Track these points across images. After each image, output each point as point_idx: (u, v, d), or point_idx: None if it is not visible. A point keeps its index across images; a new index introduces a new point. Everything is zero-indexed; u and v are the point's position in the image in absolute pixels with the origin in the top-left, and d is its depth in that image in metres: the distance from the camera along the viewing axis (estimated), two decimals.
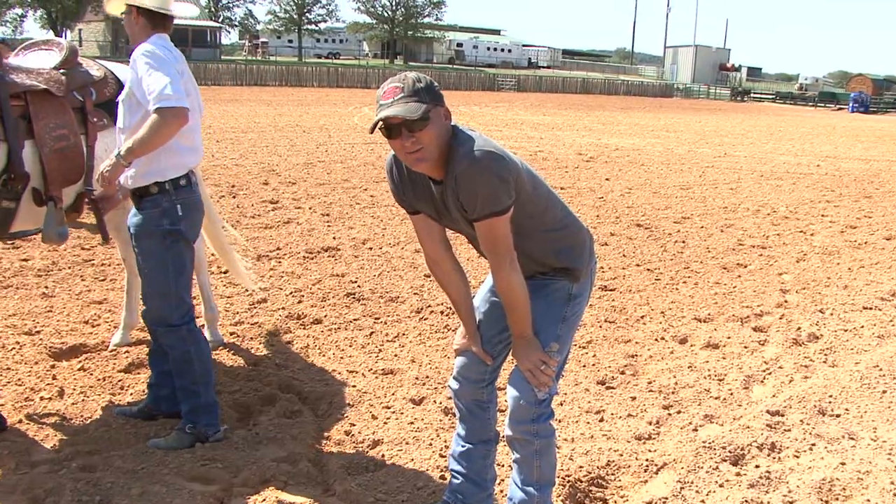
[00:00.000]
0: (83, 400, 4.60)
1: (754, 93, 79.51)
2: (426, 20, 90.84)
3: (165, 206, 3.98)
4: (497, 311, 3.33)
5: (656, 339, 6.05)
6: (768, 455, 4.24)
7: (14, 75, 4.38)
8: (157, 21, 3.99)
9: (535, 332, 3.20)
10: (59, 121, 4.49)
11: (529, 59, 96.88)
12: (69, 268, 7.23)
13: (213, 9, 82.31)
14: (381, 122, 2.91)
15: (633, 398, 4.94)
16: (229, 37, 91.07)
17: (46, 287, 6.65)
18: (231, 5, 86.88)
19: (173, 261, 4.05)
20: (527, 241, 3.17)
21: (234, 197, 11.10)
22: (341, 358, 5.45)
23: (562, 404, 4.80)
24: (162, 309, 4.10)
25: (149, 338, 4.75)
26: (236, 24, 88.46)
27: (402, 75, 2.98)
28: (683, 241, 9.54)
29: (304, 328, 5.99)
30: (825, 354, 5.85)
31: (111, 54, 64.50)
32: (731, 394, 5.07)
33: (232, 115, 25.17)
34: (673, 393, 5.03)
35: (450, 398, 4.62)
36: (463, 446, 3.56)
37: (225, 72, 52.06)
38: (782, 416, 4.72)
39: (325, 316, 6.25)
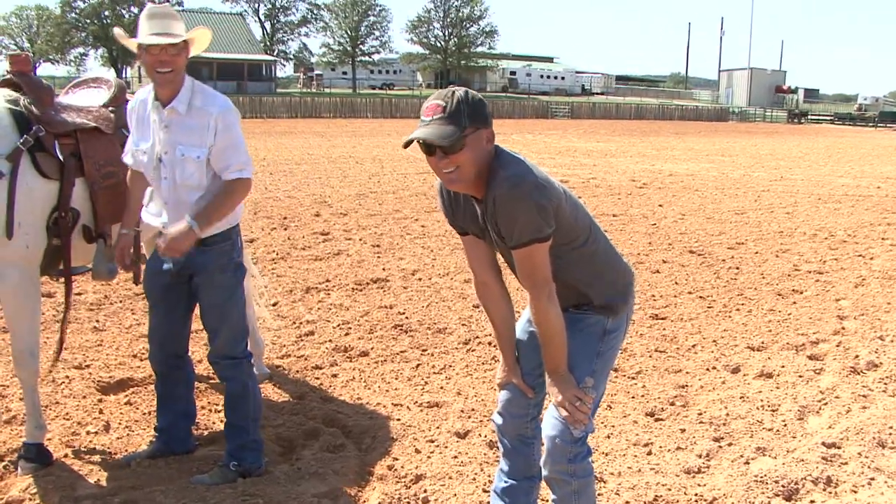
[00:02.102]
0: (128, 434, 4.64)
1: (812, 115, 78.32)
2: (479, 49, 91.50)
3: (234, 239, 4.08)
4: (536, 342, 3.24)
5: (708, 369, 5.92)
6: (824, 490, 4.10)
7: (65, 114, 4.45)
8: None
9: (570, 368, 3.11)
10: (109, 158, 4.54)
11: (583, 85, 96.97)
12: (120, 301, 7.33)
13: (268, 42, 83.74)
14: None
15: (683, 430, 4.83)
16: (284, 70, 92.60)
17: (98, 321, 6.75)
18: (286, 39, 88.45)
19: (242, 293, 4.17)
20: (565, 272, 3.11)
21: (285, 229, 11.19)
22: (387, 391, 5.43)
23: (609, 437, 4.71)
24: (231, 342, 4.15)
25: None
26: (291, 57, 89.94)
27: (450, 91, 2.91)
28: (737, 268, 9.37)
29: (350, 361, 5.98)
30: (885, 383, 5.67)
31: None
32: (785, 425, 4.92)
33: (286, 148, 25.48)
34: (724, 424, 4.91)
35: (494, 431, 4.57)
36: (506, 482, 3.50)
37: (280, 105, 52.82)
38: (839, 448, 4.57)
39: (372, 348, 6.23)
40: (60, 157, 4.28)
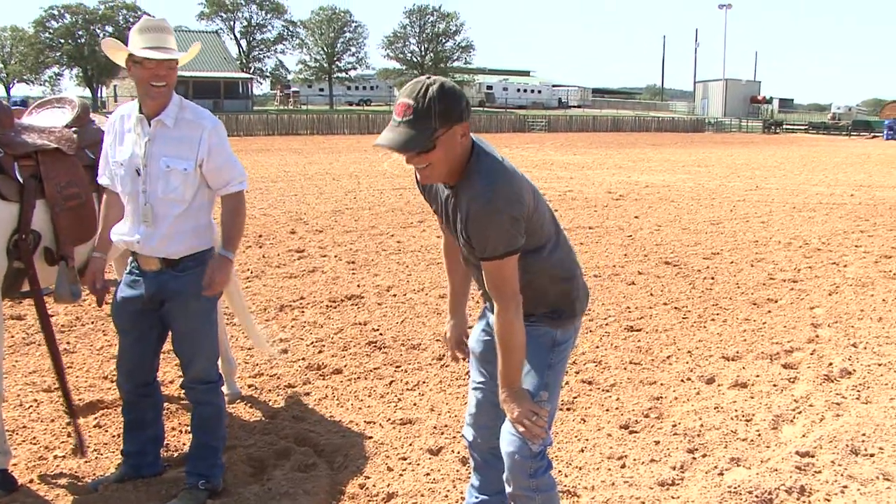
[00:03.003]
0: (96, 458, 4.57)
1: (787, 124, 78.83)
2: (455, 64, 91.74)
3: (208, 263, 3.98)
4: (492, 354, 3.18)
5: (682, 380, 5.91)
6: (798, 499, 4.10)
7: (25, 135, 4.39)
8: None
9: (522, 381, 3.05)
10: (71, 179, 4.48)
11: (559, 98, 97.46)
12: (92, 323, 7.24)
13: (244, 60, 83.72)
14: None
15: (657, 442, 4.81)
16: (261, 87, 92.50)
17: (68, 343, 6.66)
18: (262, 56, 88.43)
19: (216, 317, 4.13)
20: (524, 279, 3.02)
21: (260, 247, 11.12)
22: (359, 408, 5.38)
23: (583, 451, 4.68)
24: (207, 367, 4.11)
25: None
26: (267, 74, 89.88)
27: (422, 87, 2.73)
28: (712, 278, 9.38)
29: (323, 378, 5.93)
30: (858, 390, 5.68)
31: None
32: (759, 435, 4.92)
33: (262, 165, 25.40)
34: (698, 436, 4.89)
35: (466, 447, 4.54)
36: (477, 498, 3.47)
37: (257, 122, 52.66)
38: (813, 457, 4.57)
39: (346, 365, 6.19)
40: (20, 179, 4.21)
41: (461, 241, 3.02)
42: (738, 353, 6.53)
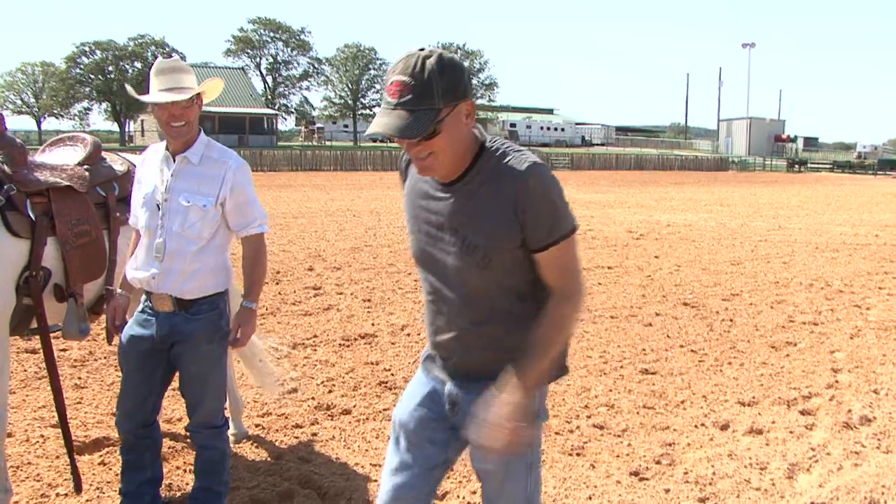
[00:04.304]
0: (98, 496, 4.53)
1: (811, 163, 78.58)
2: (479, 101, 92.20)
3: (222, 307, 4.00)
4: (433, 432, 2.76)
5: (696, 426, 5.80)
6: None
7: (38, 172, 4.42)
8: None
9: (504, 468, 2.67)
10: (82, 216, 4.50)
11: (583, 136, 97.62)
12: (104, 358, 7.24)
13: (269, 96, 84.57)
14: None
15: (667, 490, 4.71)
16: (286, 123, 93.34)
17: (80, 378, 6.66)
18: (287, 93, 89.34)
19: (225, 362, 4.11)
20: (508, 318, 2.57)
21: (277, 283, 11.12)
22: (366, 450, 5.31)
23: (591, 498, 4.59)
24: (213, 411, 4.08)
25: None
26: (292, 110, 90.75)
27: (417, 60, 2.33)
28: (731, 320, 9.27)
29: (332, 419, 5.87)
30: (878, 439, 5.56)
31: None
32: (774, 484, 4.81)
33: (284, 201, 25.52)
34: (710, 484, 4.79)
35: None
36: None
37: (281, 158, 53.05)
38: None
39: (355, 406, 6.13)
40: (32, 216, 4.24)
41: (456, 248, 2.53)
42: (754, 398, 6.42)
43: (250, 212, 3.95)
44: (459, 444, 2.77)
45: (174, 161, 3.90)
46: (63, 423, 4.44)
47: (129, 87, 4.12)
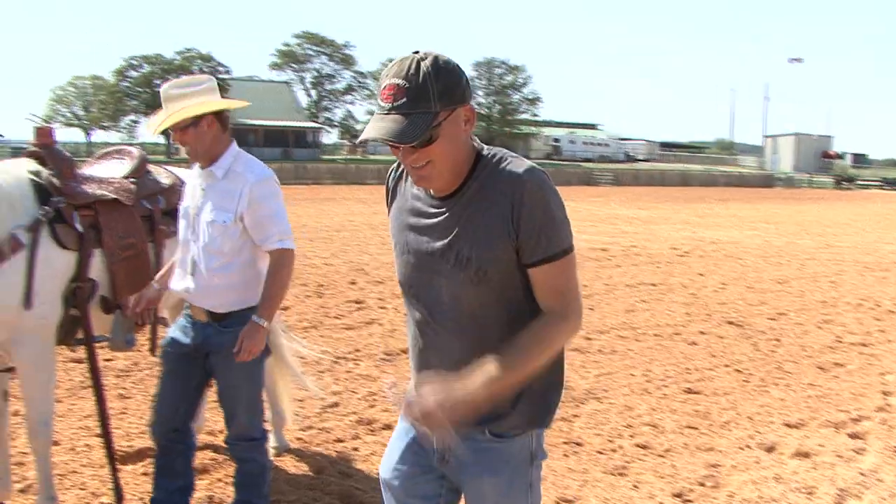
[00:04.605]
0: None
1: (860, 180, 77.32)
2: (522, 116, 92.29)
3: None
4: (422, 487, 2.59)
5: (741, 448, 5.71)
6: None
7: (85, 185, 4.49)
8: (225, 123, 3.97)
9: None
10: (128, 229, 4.57)
11: (626, 152, 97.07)
12: (149, 368, 7.29)
13: (313, 110, 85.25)
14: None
15: None
16: (330, 137, 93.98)
17: (124, 388, 6.73)
18: (331, 106, 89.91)
19: (260, 375, 4.08)
20: (503, 333, 2.34)
21: (320, 297, 11.16)
22: None
23: None
24: (250, 424, 4.09)
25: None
26: (336, 124, 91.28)
27: (412, 62, 2.19)
28: (777, 339, 9.13)
29: (373, 434, 5.86)
30: None
31: None
32: None
33: (327, 214, 25.67)
34: None
35: None
36: None
37: (325, 171, 53.42)
38: None
39: (396, 421, 6.09)
40: (80, 229, 4.31)
41: (450, 265, 2.34)
42: (801, 420, 6.30)
43: (269, 226, 3.88)
44: (455, 496, 2.61)
45: (204, 175, 3.96)
46: (106, 434, 4.49)
47: (147, 127, 4.18)
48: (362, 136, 2.24)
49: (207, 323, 3.95)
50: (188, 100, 3.86)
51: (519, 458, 2.46)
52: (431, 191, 2.41)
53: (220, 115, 3.92)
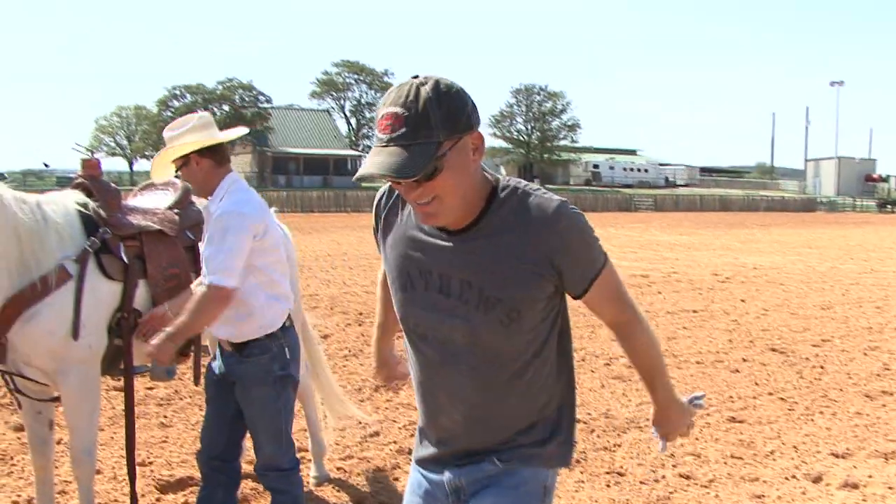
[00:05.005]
0: None
1: None
2: (562, 143, 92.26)
3: (275, 351, 3.97)
4: None
5: (787, 478, 5.61)
6: None
7: (130, 217, 4.58)
8: (220, 155, 3.97)
9: None
10: (172, 260, 4.65)
11: (666, 177, 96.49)
12: (190, 397, 7.36)
13: (353, 138, 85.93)
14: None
15: None
16: None
17: (165, 416, 6.79)
18: (371, 134, 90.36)
19: (284, 405, 4.04)
20: (537, 375, 2.31)
21: (360, 325, 11.19)
22: None
23: None
24: (276, 454, 4.06)
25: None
26: None
27: (411, 88, 2.03)
28: (822, 367, 8.99)
29: None
30: None
31: (257, 184, 67.89)
32: None
33: (368, 242, 25.73)
34: None
35: None
36: None
37: (364, 199, 53.60)
38: None
39: None
40: (125, 259, 4.38)
41: (470, 304, 2.21)
42: (848, 449, 6.19)
43: (208, 262, 3.79)
44: None
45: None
46: (130, 463, 4.54)
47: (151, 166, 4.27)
48: (359, 174, 2.10)
49: (230, 353, 4.00)
50: (177, 140, 3.93)
51: (529, 487, 2.34)
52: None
53: (210, 150, 3.91)
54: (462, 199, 2.12)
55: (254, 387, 3.95)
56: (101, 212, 4.40)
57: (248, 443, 4.26)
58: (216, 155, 3.95)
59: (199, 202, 5.05)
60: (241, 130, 4.49)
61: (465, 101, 2.07)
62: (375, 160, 2.02)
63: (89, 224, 4.35)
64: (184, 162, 3.91)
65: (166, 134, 3.99)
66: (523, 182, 2.24)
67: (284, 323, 4.04)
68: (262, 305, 3.95)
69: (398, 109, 2.01)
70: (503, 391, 2.29)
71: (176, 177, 4.18)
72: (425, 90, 2.01)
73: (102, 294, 4.29)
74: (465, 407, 2.32)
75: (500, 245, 2.16)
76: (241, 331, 3.93)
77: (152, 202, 4.92)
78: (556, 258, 2.16)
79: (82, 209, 4.38)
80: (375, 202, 2.45)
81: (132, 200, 4.95)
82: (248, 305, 3.91)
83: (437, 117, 2.00)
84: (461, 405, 2.32)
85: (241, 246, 3.78)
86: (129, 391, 4.52)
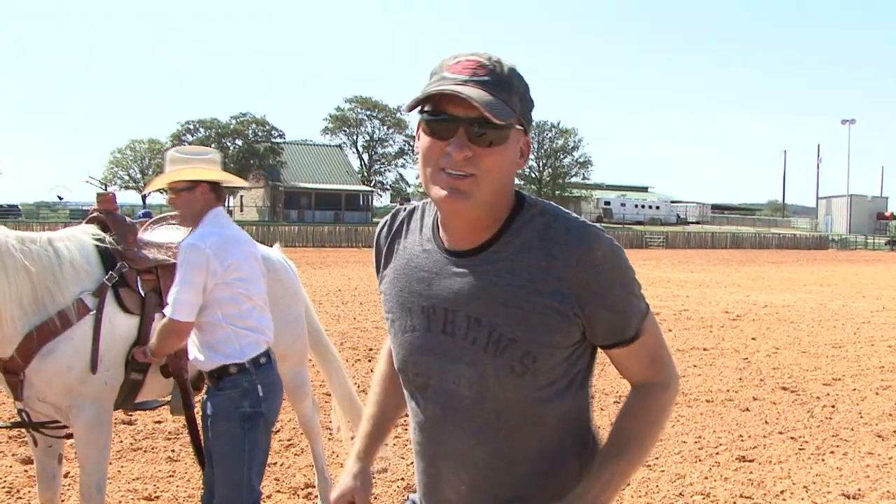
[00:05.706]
0: None
1: None
2: (573, 179, 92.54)
3: (246, 387, 3.87)
4: None
5: None
6: None
7: (146, 250, 4.64)
8: (220, 193, 4.06)
9: None
10: None
11: (678, 214, 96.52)
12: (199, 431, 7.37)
13: (365, 173, 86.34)
14: (435, 97, 1.76)
15: None
16: (381, 200, 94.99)
17: (173, 451, 6.80)
18: (383, 170, 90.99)
19: (249, 447, 3.88)
20: (554, 434, 1.93)
21: (369, 361, 11.20)
22: None
23: None
24: (230, 498, 3.89)
25: None
26: (388, 187, 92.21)
27: (490, 55, 1.78)
28: (833, 406, 8.95)
29: None
30: None
31: (269, 218, 68.16)
32: None
33: None
34: None
35: None
36: None
37: (373, 234, 53.76)
38: None
39: None
40: (142, 293, 4.44)
41: (478, 344, 1.84)
42: (860, 490, 6.16)
43: (171, 293, 3.84)
44: None
45: None
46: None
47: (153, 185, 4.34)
48: (433, 89, 1.75)
49: (209, 386, 3.99)
50: (189, 164, 4.00)
51: None
52: (446, 243, 1.92)
53: (216, 186, 4.01)
54: (494, 194, 1.79)
55: (219, 420, 3.89)
56: (118, 245, 4.46)
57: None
58: (219, 192, 4.06)
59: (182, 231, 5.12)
60: (241, 181, 4.57)
61: (531, 93, 1.84)
62: (457, 88, 1.70)
63: (107, 258, 4.42)
64: (190, 186, 3.93)
65: (177, 154, 4.06)
66: (554, 205, 1.90)
67: (260, 359, 3.93)
68: (229, 335, 3.89)
69: (484, 60, 1.76)
70: (522, 452, 1.92)
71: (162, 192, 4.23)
72: (507, 63, 1.78)
73: (120, 328, 4.35)
74: (475, 481, 1.95)
75: (519, 272, 1.80)
76: (209, 358, 3.91)
77: (165, 237, 4.98)
78: (584, 297, 1.80)
79: (99, 243, 4.45)
80: (375, 238, 2.20)
81: (146, 235, 5.01)
82: (215, 335, 3.90)
83: (518, 90, 1.79)
84: (465, 473, 1.96)
85: (193, 280, 3.79)
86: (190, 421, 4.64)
